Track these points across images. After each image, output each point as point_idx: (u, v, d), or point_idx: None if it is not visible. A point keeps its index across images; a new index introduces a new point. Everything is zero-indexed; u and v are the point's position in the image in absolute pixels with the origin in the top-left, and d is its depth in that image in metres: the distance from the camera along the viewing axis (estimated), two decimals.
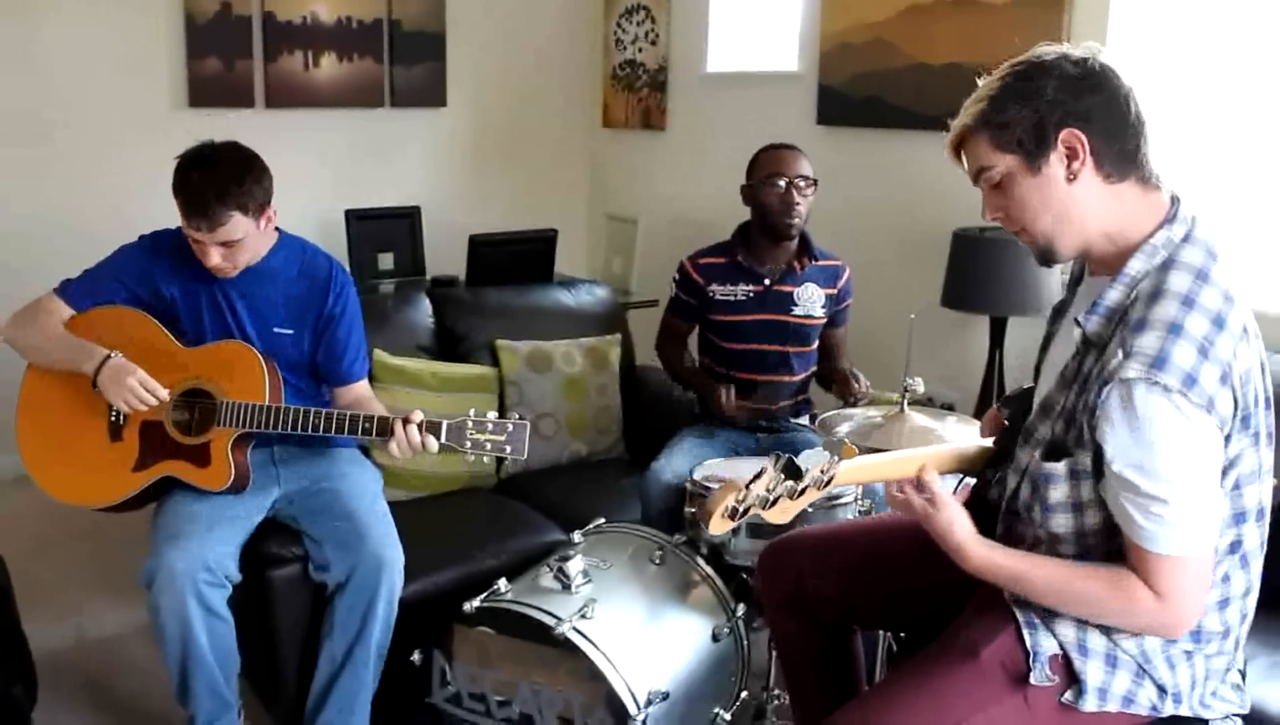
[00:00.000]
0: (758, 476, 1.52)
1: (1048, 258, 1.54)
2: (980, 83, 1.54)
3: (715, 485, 2.25)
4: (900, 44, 3.61)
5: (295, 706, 2.39)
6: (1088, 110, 1.45)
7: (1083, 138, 1.45)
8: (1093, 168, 1.46)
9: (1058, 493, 1.50)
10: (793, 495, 1.55)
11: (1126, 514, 1.42)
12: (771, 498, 1.53)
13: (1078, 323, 1.50)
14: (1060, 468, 1.49)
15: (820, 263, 2.86)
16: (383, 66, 4.52)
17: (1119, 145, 1.46)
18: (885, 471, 1.66)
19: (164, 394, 2.24)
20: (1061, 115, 1.44)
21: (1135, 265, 1.47)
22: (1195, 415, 1.36)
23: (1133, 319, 1.42)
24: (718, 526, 1.54)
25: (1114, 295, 1.47)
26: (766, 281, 2.83)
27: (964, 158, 1.56)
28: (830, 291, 2.86)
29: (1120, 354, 1.39)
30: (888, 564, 1.85)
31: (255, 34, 4.21)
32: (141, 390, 2.21)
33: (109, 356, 2.24)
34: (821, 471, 1.54)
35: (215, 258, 2.27)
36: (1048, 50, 1.49)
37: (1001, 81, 1.49)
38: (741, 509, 1.52)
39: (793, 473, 1.53)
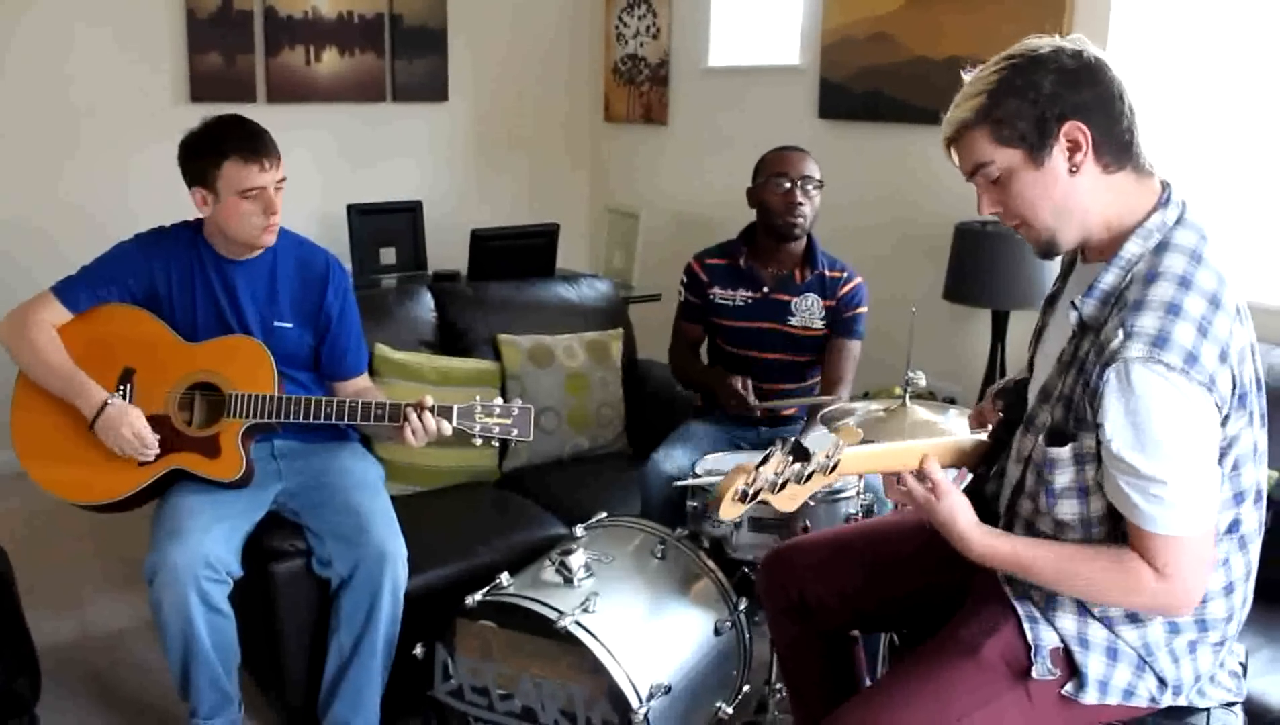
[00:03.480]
0: (766, 459, 1.52)
1: (1049, 251, 1.54)
2: (968, 76, 1.52)
3: (718, 479, 2.25)
4: (902, 38, 3.61)
5: (299, 699, 2.40)
6: (1086, 102, 1.44)
7: (1085, 130, 1.44)
8: (1093, 159, 1.46)
9: (1063, 478, 1.50)
10: (800, 480, 1.54)
11: (1125, 497, 1.42)
12: (780, 481, 1.53)
13: (1074, 306, 1.51)
14: (1065, 452, 1.49)
15: (827, 273, 2.81)
16: (384, 61, 4.52)
17: (1116, 136, 1.47)
18: (889, 461, 1.66)
19: (153, 442, 2.22)
20: (1062, 108, 1.44)
21: (1130, 248, 1.48)
22: (1194, 393, 1.37)
23: (1129, 300, 1.43)
24: (729, 511, 1.53)
25: (1109, 278, 1.48)
26: (765, 288, 2.81)
27: (957, 153, 1.54)
28: (829, 303, 2.81)
29: (1120, 335, 1.39)
30: (887, 567, 1.85)
31: (256, 29, 4.20)
32: (137, 443, 2.20)
33: (107, 403, 2.22)
34: (827, 456, 1.54)
35: (278, 202, 2.30)
36: (1040, 42, 1.47)
37: (998, 74, 1.47)
38: (751, 492, 1.52)
39: (800, 455, 1.53)
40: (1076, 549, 1.51)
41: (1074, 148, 1.45)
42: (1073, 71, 1.44)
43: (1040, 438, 1.54)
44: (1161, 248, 1.46)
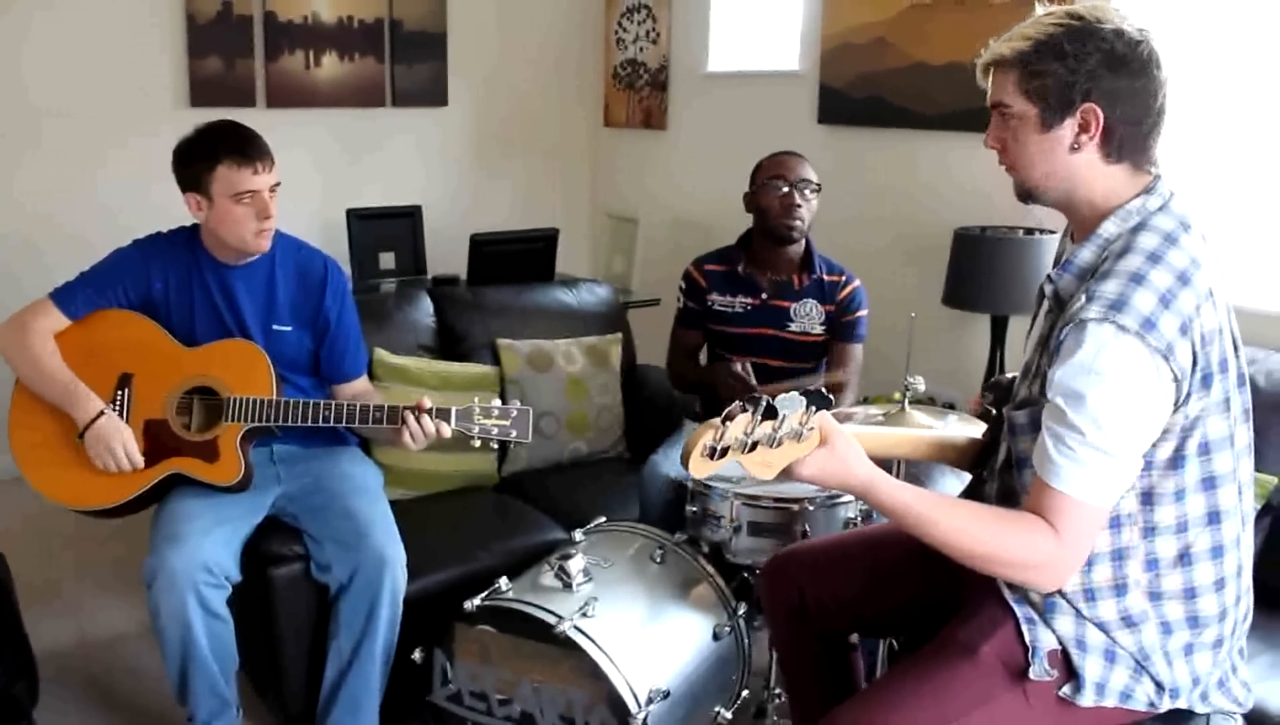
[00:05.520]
0: (734, 416, 1.50)
1: (1028, 200, 1.58)
2: (1020, 21, 1.54)
3: (717, 483, 2.25)
4: (901, 44, 3.61)
5: (298, 704, 2.40)
6: (1118, 90, 1.46)
7: (1100, 116, 1.46)
8: (1098, 145, 1.48)
9: (1024, 443, 1.53)
10: (772, 443, 1.51)
11: (1042, 446, 1.44)
12: (749, 441, 1.50)
13: (1050, 280, 1.53)
14: (1023, 415, 1.52)
15: (825, 277, 2.82)
16: (384, 66, 4.53)
17: (1133, 132, 1.48)
18: (871, 443, 1.63)
19: (140, 461, 2.23)
20: (1091, 88, 1.46)
21: (1108, 227, 1.50)
22: (1143, 360, 1.38)
23: (1099, 272, 1.45)
24: (698, 467, 1.50)
25: (1085, 255, 1.51)
26: (764, 295, 2.81)
27: (989, 80, 1.56)
28: (829, 308, 2.81)
29: (1083, 299, 1.42)
30: (886, 573, 1.85)
31: (256, 33, 4.21)
32: (124, 458, 2.20)
33: (101, 413, 2.22)
34: (800, 423, 1.52)
35: (273, 206, 2.30)
36: (1106, 16, 1.47)
37: (1051, 30, 1.48)
38: (719, 448, 1.49)
39: (769, 414, 1.51)
40: (984, 507, 1.53)
41: (1083, 128, 1.47)
42: (1120, 57, 1.45)
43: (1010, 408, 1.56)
44: (1139, 228, 1.48)
